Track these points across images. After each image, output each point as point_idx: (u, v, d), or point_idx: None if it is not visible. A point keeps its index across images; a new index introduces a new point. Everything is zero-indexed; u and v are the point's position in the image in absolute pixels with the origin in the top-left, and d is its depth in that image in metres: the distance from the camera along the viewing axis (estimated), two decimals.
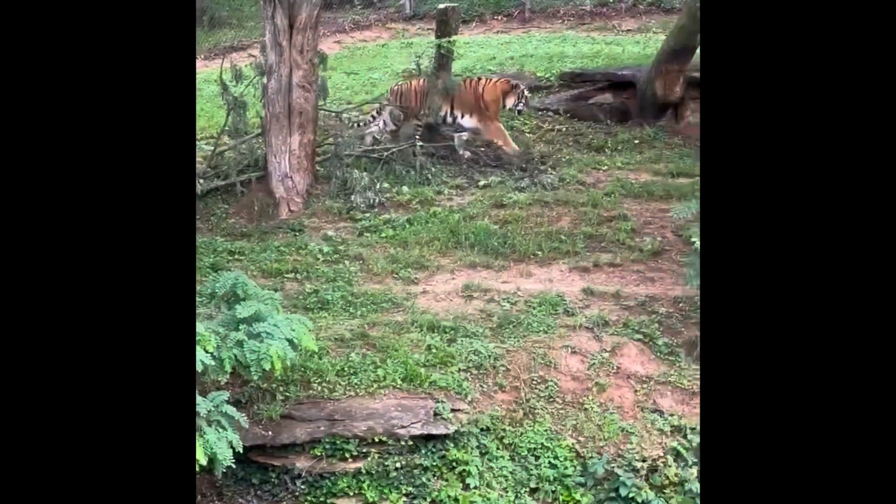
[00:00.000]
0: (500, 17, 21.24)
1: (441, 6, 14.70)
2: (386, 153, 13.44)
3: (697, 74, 14.53)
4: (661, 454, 8.89)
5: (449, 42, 14.06)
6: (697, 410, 9.19)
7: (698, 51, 13.16)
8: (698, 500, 8.78)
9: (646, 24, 20.19)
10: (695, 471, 8.89)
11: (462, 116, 13.88)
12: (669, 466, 8.84)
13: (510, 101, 13.90)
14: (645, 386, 9.35)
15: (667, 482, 8.80)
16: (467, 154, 13.85)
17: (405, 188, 12.72)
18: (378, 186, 12.67)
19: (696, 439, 8.99)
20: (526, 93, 13.92)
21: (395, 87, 14.48)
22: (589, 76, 16.14)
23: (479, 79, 14.21)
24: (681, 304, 10.13)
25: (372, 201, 12.45)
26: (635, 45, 18.55)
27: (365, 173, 12.81)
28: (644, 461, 8.84)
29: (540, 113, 15.53)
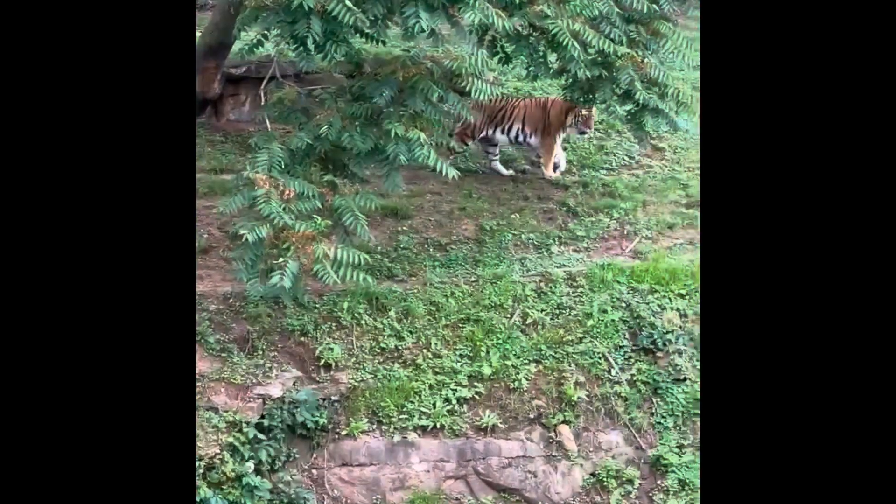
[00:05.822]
0: None
1: None
2: None
3: (234, 71, 14.53)
4: (218, 451, 8.93)
5: None
6: (252, 405, 9.31)
7: (234, 47, 13.12)
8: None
9: None
10: (251, 464, 8.98)
11: (531, 135, 13.25)
12: (227, 463, 8.91)
13: (569, 119, 13.18)
14: (199, 384, 9.32)
15: (224, 478, 8.89)
16: (510, 172, 13.37)
17: None
18: None
19: (252, 432, 9.07)
20: (583, 112, 13.10)
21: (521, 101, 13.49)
22: None
23: (548, 98, 13.57)
24: (231, 300, 10.19)
25: None
26: None
27: None
28: (201, 460, 8.83)
29: None
